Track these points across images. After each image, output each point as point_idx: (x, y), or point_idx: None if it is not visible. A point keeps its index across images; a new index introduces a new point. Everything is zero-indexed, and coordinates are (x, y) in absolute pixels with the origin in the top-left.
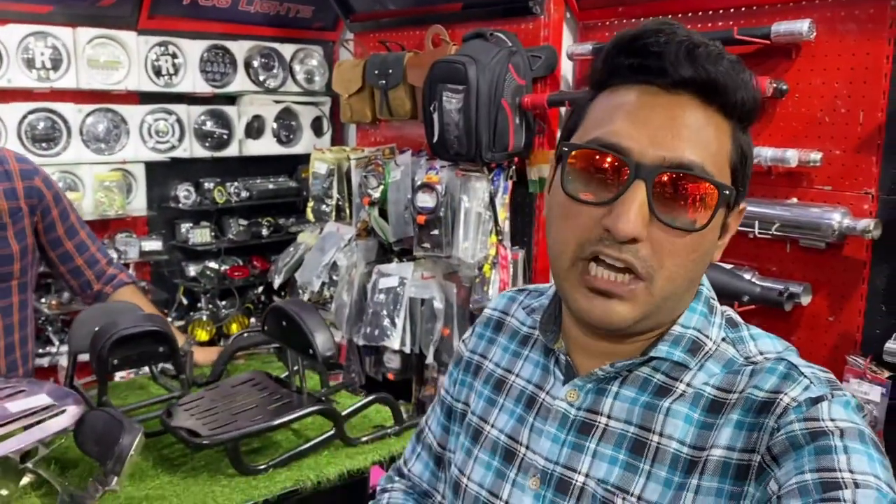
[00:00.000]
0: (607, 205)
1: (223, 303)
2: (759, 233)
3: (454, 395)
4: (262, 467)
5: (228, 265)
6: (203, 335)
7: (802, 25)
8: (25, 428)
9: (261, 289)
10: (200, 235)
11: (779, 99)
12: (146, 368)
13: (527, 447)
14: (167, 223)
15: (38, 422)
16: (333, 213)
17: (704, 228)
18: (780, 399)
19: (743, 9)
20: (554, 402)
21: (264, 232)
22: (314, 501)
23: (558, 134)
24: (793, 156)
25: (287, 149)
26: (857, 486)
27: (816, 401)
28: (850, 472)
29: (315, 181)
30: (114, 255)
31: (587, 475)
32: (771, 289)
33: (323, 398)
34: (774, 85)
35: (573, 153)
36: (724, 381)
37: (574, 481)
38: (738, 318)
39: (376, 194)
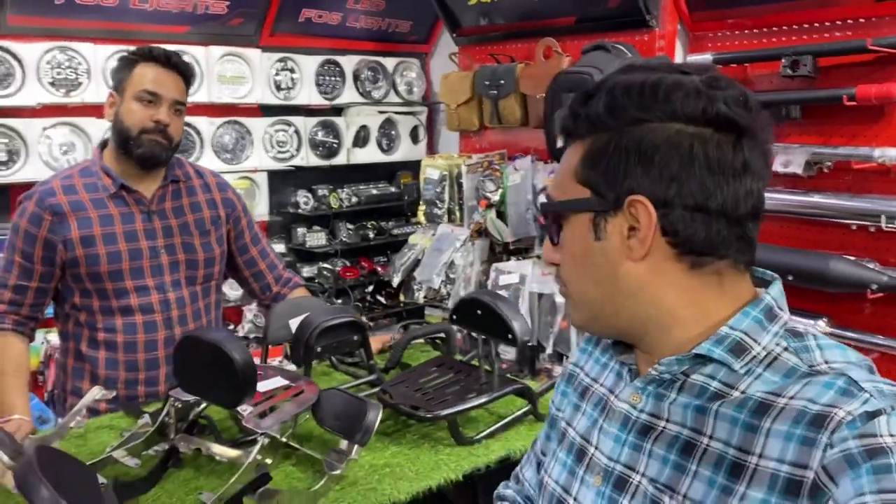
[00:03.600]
0: None
1: (338, 301)
2: (886, 226)
3: (557, 405)
4: (477, 438)
5: (340, 266)
6: None
7: None
8: (275, 407)
9: (371, 287)
10: (316, 238)
11: None
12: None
13: (596, 447)
14: (284, 227)
15: (289, 399)
16: (445, 216)
17: (560, 242)
18: (835, 413)
19: (862, 20)
20: (619, 404)
21: (370, 235)
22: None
23: None
24: None
25: (388, 156)
26: None
27: (873, 415)
28: None
29: (427, 186)
30: None
31: (643, 475)
32: None
33: (513, 379)
34: None
35: None
36: (778, 386)
37: (632, 480)
38: (805, 329)
39: (495, 197)
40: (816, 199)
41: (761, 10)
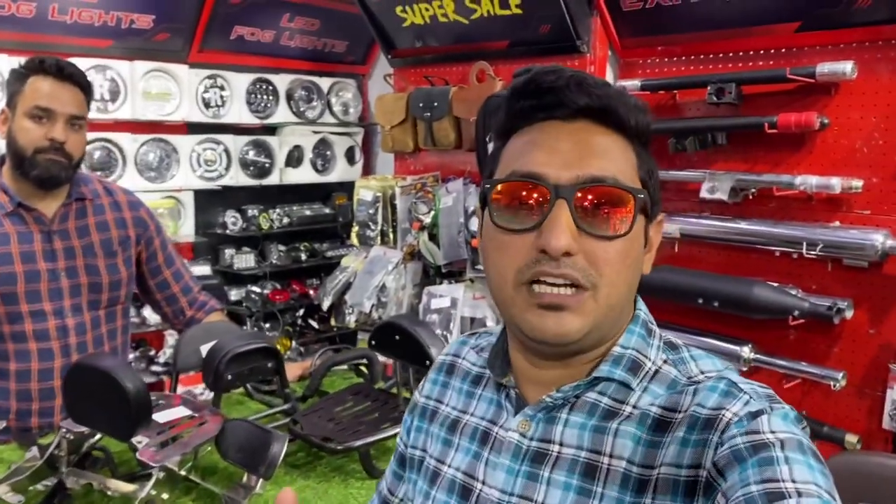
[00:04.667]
0: (537, 228)
1: (266, 325)
2: (807, 253)
3: (409, 443)
4: None
5: (269, 289)
6: None
7: (846, 66)
8: (175, 438)
9: (301, 311)
10: (245, 260)
11: (821, 131)
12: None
13: (483, 482)
14: (211, 248)
15: (188, 431)
16: (378, 238)
17: (629, 232)
18: (723, 415)
19: (783, 50)
20: (507, 434)
21: (303, 256)
22: None
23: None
24: (836, 183)
25: (322, 177)
26: (800, 494)
27: (756, 414)
28: (793, 481)
29: (360, 207)
30: None
31: (543, 503)
32: (820, 304)
33: None
34: (819, 119)
35: (497, 188)
36: (669, 400)
37: None
38: (677, 341)
39: (427, 219)
40: (741, 225)
41: (689, 37)
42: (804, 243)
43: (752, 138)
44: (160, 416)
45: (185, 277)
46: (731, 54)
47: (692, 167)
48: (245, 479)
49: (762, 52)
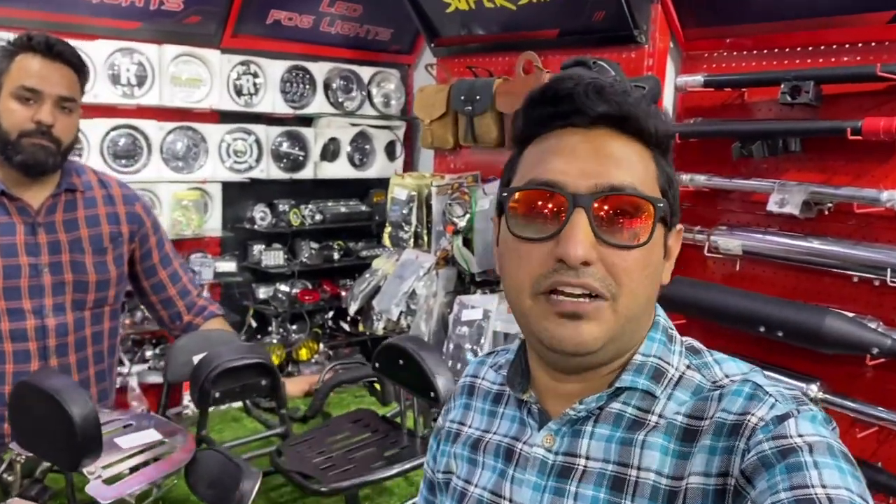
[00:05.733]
0: (554, 237)
1: (293, 327)
2: (891, 280)
3: (434, 468)
4: None
5: (299, 288)
6: (273, 360)
7: None
8: (137, 467)
9: (331, 314)
10: (273, 258)
11: None
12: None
13: (510, 500)
14: (240, 244)
15: (151, 460)
16: (412, 240)
17: (648, 242)
18: (749, 420)
19: (873, 44)
20: (532, 450)
21: (335, 256)
22: None
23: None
24: None
25: (360, 172)
26: (830, 501)
27: (783, 418)
28: (823, 486)
29: (394, 206)
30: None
31: None
32: None
33: None
34: None
35: (514, 197)
36: (695, 408)
37: None
38: (700, 345)
39: (462, 223)
40: (814, 244)
41: (762, 28)
42: (889, 269)
43: (830, 146)
44: (125, 441)
45: (184, 280)
46: (810, 48)
47: (760, 176)
48: None
49: (847, 45)
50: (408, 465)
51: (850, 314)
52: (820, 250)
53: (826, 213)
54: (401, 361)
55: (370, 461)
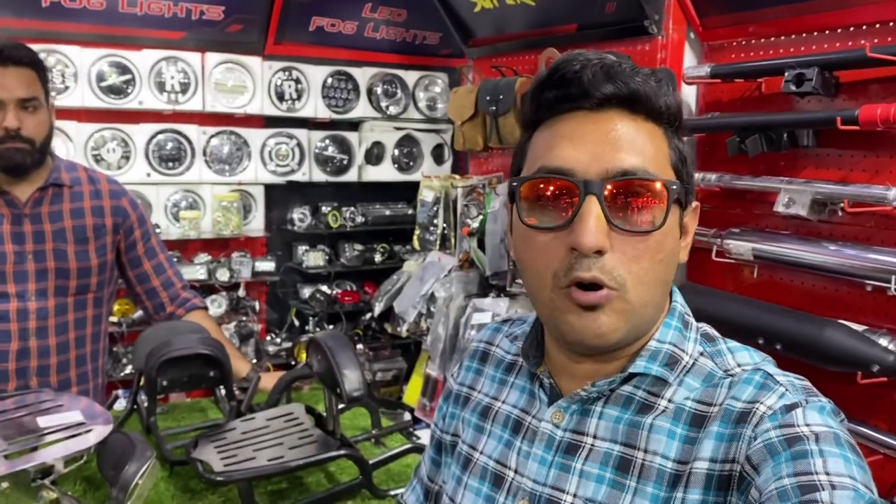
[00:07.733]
0: (567, 226)
1: (330, 327)
2: None
3: (443, 429)
4: None
5: (341, 289)
6: (302, 357)
7: None
8: (47, 445)
9: (369, 315)
10: (314, 258)
11: None
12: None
13: (515, 471)
14: (285, 245)
15: (62, 439)
16: (438, 242)
17: (663, 226)
18: (757, 408)
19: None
20: (540, 424)
21: (377, 258)
22: None
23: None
24: None
25: (407, 175)
26: (833, 487)
27: (791, 408)
28: (827, 474)
29: (422, 209)
30: (225, 276)
31: (575, 495)
32: None
33: (354, 442)
34: None
35: (524, 185)
36: (705, 394)
37: (563, 501)
38: (715, 333)
39: (475, 224)
40: (823, 247)
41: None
42: (894, 276)
43: (848, 140)
44: (44, 420)
45: (168, 272)
46: (839, 30)
47: (776, 174)
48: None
49: (864, 27)
50: (305, 461)
51: (858, 327)
52: (827, 254)
53: (839, 213)
54: (319, 357)
55: (273, 455)
